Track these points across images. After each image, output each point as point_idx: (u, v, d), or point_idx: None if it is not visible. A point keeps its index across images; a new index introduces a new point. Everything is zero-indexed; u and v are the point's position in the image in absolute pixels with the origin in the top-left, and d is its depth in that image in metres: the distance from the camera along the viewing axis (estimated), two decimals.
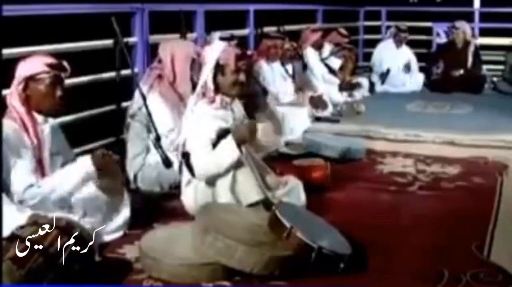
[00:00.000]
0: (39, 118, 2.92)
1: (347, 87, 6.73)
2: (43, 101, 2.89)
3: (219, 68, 3.21)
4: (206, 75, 3.22)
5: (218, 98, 3.22)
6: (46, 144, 2.92)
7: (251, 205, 3.04)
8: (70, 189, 2.83)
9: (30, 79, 2.85)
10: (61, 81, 2.94)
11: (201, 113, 3.18)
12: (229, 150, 3.05)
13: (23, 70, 2.86)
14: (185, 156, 3.17)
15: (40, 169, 2.88)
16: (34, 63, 2.89)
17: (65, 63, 2.94)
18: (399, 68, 7.86)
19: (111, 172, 2.97)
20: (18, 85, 2.85)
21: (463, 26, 7.92)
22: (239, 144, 3.04)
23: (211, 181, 3.12)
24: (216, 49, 3.25)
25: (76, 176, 2.85)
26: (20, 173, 2.77)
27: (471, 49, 7.84)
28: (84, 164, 2.88)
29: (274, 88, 5.53)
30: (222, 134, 3.11)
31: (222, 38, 3.43)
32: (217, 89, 3.22)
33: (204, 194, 3.12)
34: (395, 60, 7.84)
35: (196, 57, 3.82)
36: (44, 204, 2.77)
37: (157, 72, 3.90)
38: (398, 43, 7.97)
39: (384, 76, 7.77)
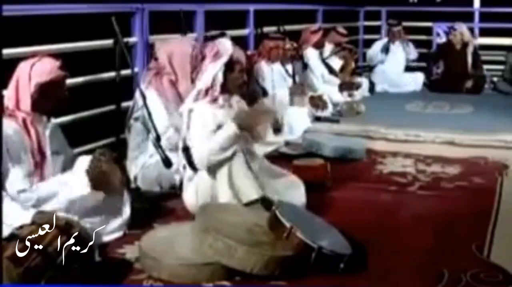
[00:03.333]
0: (43, 118, 2.92)
1: (347, 86, 6.72)
2: (53, 102, 2.90)
3: (228, 66, 3.23)
4: (216, 71, 3.22)
5: (221, 98, 3.22)
6: (48, 145, 2.92)
7: (250, 203, 3.05)
8: (62, 204, 2.79)
9: (45, 84, 2.85)
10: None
11: (202, 110, 3.18)
12: (230, 131, 3.06)
13: (37, 75, 2.83)
14: (186, 150, 3.18)
15: (41, 169, 2.88)
16: (48, 68, 2.87)
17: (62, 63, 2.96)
18: (397, 65, 7.88)
19: (111, 172, 2.96)
20: (34, 92, 2.83)
21: (461, 27, 7.92)
22: (240, 127, 3.07)
23: (208, 173, 3.11)
24: (229, 46, 3.27)
25: (70, 195, 2.81)
26: (15, 176, 2.76)
27: (470, 50, 7.84)
28: (80, 185, 2.83)
29: (273, 88, 5.53)
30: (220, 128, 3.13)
31: (214, 36, 3.45)
32: (223, 86, 3.23)
33: (205, 192, 3.13)
34: (391, 55, 7.85)
35: (195, 52, 3.83)
36: (40, 206, 2.77)
37: (154, 71, 3.90)
38: (393, 38, 7.97)
39: (384, 48, 7.79)
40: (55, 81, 2.87)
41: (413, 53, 8.05)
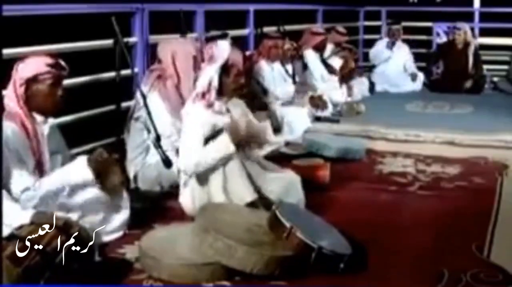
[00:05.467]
0: (39, 118, 2.92)
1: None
2: (45, 101, 2.89)
3: (224, 69, 3.20)
4: (211, 74, 3.19)
5: (217, 104, 3.20)
6: (46, 144, 2.92)
7: (246, 206, 3.04)
8: (67, 192, 2.81)
9: (32, 80, 2.84)
10: (61, 80, 2.95)
11: (197, 113, 3.17)
12: (223, 144, 3.05)
13: (24, 71, 2.85)
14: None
15: (40, 169, 2.88)
16: (35, 64, 2.87)
17: (63, 62, 2.95)
18: (397, 65, 7.88)
19: (111, 172, 2.97)
20: (20, 87, 2.83)
21: (465, 27, 7.91)
22: (234, 142, 3.06)
23: (202, 177, 3.12)
24: (225, 49, 3.22)
25: (73, 180, 2.82)
26: (17, 175, 2.76)
27: (472, 50, 7.84)
28: (82, 170, 2.85)
29: (274, 88, 5.53)
30: (215, 134, 3.12)
31: (214, 37, 3.42)
32: (220, 90, 3.21)
33: (201, 196, 3.12)
34: (393, 55, 7.86)
35: (197, 54, 3.82)
36: (44, 205, 2.77)
37: (157, 73, 3.90)
38: (393, 38, 7.96)
39: (389, 44, 7.83)
40: (40, 77, 2.85)
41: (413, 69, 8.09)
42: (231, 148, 3.05)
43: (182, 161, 3.11)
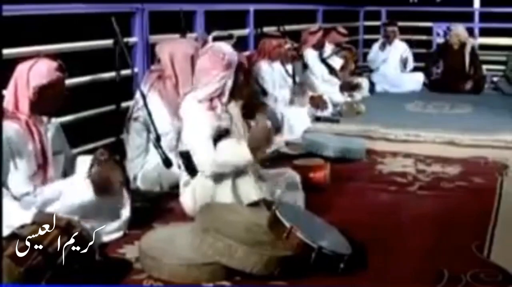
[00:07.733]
0: (44, 119, 2.92)
1: (347, 88, 6.71)
2: (53, 104, 2.91)
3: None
4: (226, 81, 3.20)
5: (219, 107, 3.20)
6: (50, 145, 2.92)
7: (251, 205, 3.04)
8: (64, 209, 2.78)
9: (44, 87, 2.84)
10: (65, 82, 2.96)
11: (201, 114, 3.16)
12: (241, 151, 3.05)
13: (35, 78, 2.83)
14: (184, 155, 3.18)
15: (43, 170, 2.88)
16: (46, 70, 2.86)
17: (62, 63, 2.95)
18: (395, 64, 7.88)
19: (111, 173, 2.96)
20: (33, 95, 2.82)
21: (456, 28, 7.93)
22: (252, 149, 3.05)
23: (213, 178, 3.12)
24: (234, 53, 3.26)
25: (74, 200, 2.80)
26: (18, 179, 2.76)
27: (468, 50, 7.83)
28: (84, 192, 2.83)
29: (274, 88, 5.53)
30: (222, 134, 3.12)
31: (219, 37, 3.43)
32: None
33: (203, 195, 3.11)
34: (390, 55, 7.86)
35: (196, 54, 3.82)
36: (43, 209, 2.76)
37: (157, 73, 3.90)
38: (388, 39, 7.95)
39: (381, 45, 7.88)
40: (53, 83, 2.87)
41: (410, 64, 8.06)
42: (249, 157, 3.04)
43: (198, 163, 3.11)
